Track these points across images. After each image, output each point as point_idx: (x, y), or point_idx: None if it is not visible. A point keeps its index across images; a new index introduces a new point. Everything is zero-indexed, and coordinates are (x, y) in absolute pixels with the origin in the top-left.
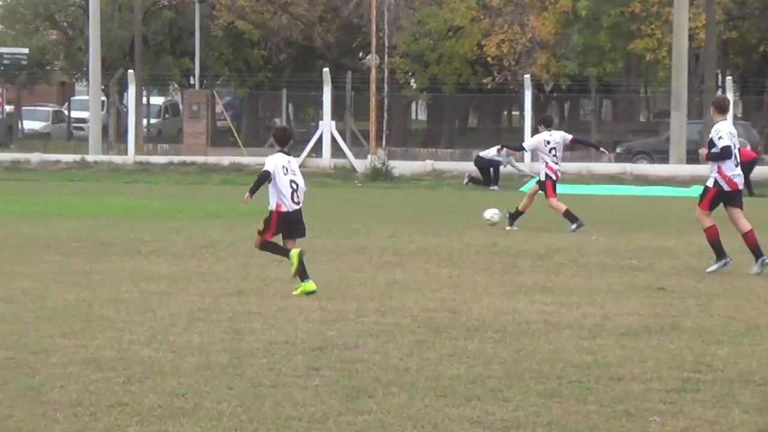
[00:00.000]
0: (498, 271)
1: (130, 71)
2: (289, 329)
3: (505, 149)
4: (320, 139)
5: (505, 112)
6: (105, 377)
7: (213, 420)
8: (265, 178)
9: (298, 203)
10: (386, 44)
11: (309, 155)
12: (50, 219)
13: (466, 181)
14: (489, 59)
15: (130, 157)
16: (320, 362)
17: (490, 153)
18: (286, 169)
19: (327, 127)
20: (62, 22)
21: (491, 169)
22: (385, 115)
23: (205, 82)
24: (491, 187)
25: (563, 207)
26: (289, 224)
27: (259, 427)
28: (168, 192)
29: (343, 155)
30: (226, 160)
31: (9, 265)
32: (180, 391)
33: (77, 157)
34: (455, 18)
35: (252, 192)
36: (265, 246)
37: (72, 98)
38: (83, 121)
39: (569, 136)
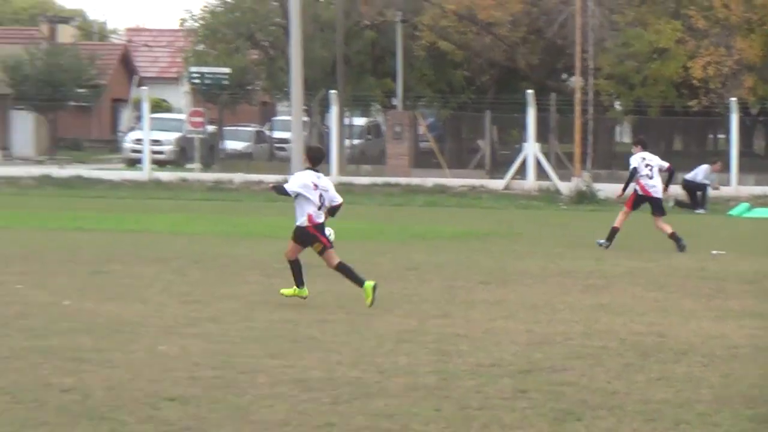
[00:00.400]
0: (705, 296)
1: (332, 91)
2: (496, 351)
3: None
4: (524, 161)
5: (711, 136)
6: (312, 397)
7: None
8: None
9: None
10: (590, 66)
11: (513, 177)
12: (253, 239)
13: (672, 204)
14: (695, 82)
15: (333, 177)
16: (527, 385)
17: (698, 176)
18: (316, 185)
19: (531, 149)
20: (263, 42)
21: (698, 193)
22: (590, 137)
23: (407, 103)
24: (697, 211)
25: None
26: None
27: None
28: (371, 213)
29: (548, 177)
30: (429, 181)
31: (215, 285)
32: (387, 412)
33: (279, 177)
34: (660, 40)
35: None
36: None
37: (273, 118)
38: (285, 141)
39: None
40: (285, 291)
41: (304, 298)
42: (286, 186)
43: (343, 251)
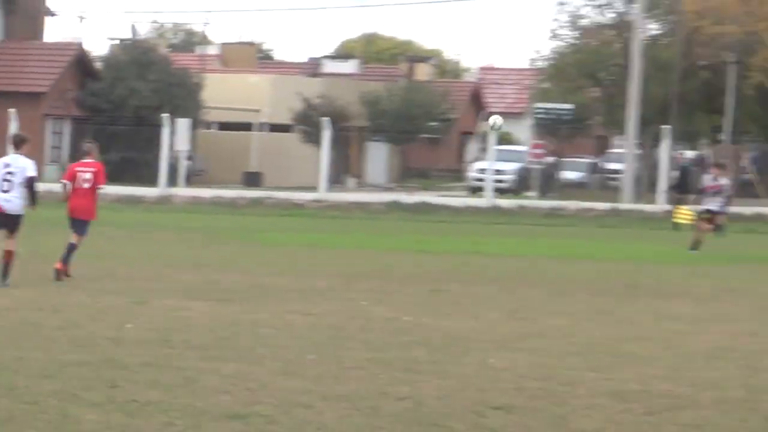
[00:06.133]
0: None
1: (665, 127)
2: None
3: None
4: None
5: None
6: (627, 408)
7: None
8: None
9: None
10: None
11: None
12: (583, 261)
13: None
14: None
15: (659, 206)
16: None
17: None
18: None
19: None
20: (605, 81)
21: None
22: None
23: (733, 137)
24: None
25: None
26: None
27: None
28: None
29: None
30: (748, 210)
31: (543, 303)
32: (696, 423)
33: (609, 205)
34: None
35: None
36: None
37: (608, 151)
38: (617, 172)
39: None
40: None
41: None
42: None
43: (665, 273)
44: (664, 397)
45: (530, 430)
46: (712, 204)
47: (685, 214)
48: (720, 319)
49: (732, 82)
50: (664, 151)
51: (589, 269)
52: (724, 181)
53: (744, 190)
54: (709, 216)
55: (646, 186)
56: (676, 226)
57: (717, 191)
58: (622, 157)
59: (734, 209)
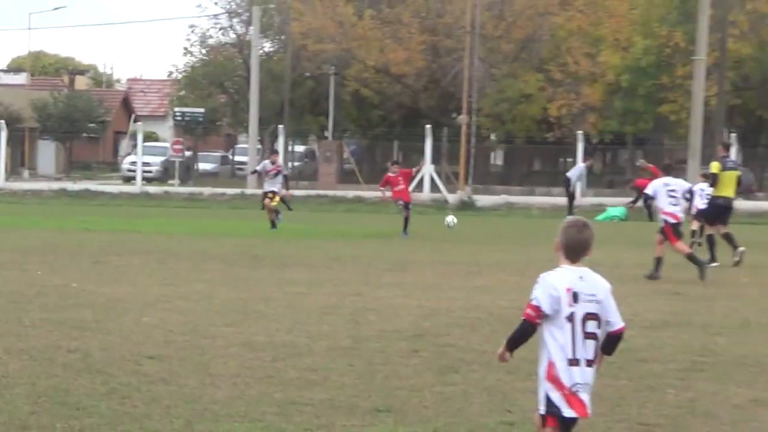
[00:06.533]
0: None
1: (280, 126)
2: (396, 321)
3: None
4: (422, 178)
5: (561, 159)
6: (257, 356)
7: (338, 389)
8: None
9: None
10: (474, 107)
11: (413, 190)
12: (217, 237)
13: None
14: (551, 119)
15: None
16: (419, 346)
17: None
18: None
19: (428, 169)
20: (230, 89)
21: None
22: (471, 160)
23: (336, 134)
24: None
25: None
26: None
27: (372, 394)
28: (306, 217)
29: (440, 191)
30: (350, 194)
31: (187, 271)
32: (313, 367)
33: (238, 190)
34: (527, 87)
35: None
36: None
37: (235, 146)
38: (243, 163)
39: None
40: None
41: None
42: None
43: (284, 246)
44: (286, 347)
45: (179, 376)
46: (273, 185)
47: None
48: (330, 283)
49: (333, 89)
50: (281, 146)
51: (223, 244)
52: (280, 164)
53: (347, 178)
54: (272, 195)
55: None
56: (283, 207)
57: (276, 173)
58: (246, 151)
59: (340, 193)
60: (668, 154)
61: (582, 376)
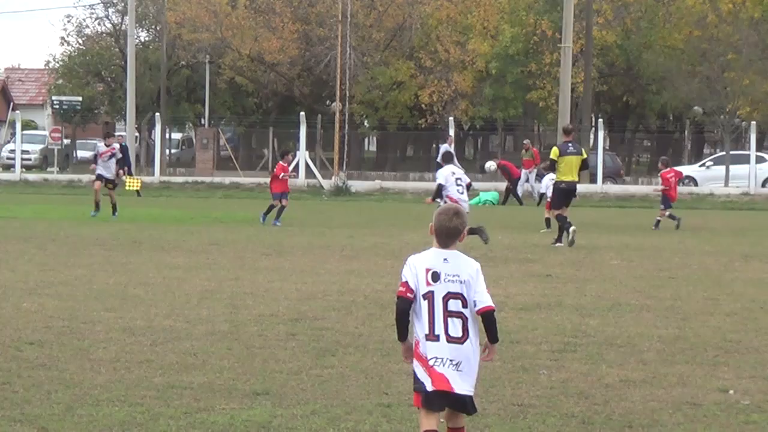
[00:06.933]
0: None
1: (157, 114)
2: (274, 305)
3: None
4: (297, 164)
5: (434, 145)
6: (137, 341)
7: (216, 373)
8: None
9: None
10: (347, 94)
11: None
12: (96, 223)
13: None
14: (423, 105)
15: (156, 177)
16: (296, 329)
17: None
18: None
19: (302, 156)
20: (107, 78)
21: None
22: (345, 147)
23: (212, 122)
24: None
25: None
26: None
27: (250, 377)
28: (184, 203)
29: (315, 176)
30: (227, 180)
31: (66, 257)
32: (192, 351)
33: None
34: (398, 75)
35: None
36: None
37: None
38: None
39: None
40: None
41: None
42: None
43: (162, 232)
44: (165, 331)
45: (59, 361)
46: (107, 168)
47: (132, 181)
48: (208, 267)
49: (208, 78)
50: (158, 133)
51: (102, 229)
52: (116, 147)
53: (223, 164)
54: (112, 186)
55: (145, 162)
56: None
57: (111, 156)
58: (125, 139)
59: (217, 179)
60: (538, 139)
61: (441, 351)
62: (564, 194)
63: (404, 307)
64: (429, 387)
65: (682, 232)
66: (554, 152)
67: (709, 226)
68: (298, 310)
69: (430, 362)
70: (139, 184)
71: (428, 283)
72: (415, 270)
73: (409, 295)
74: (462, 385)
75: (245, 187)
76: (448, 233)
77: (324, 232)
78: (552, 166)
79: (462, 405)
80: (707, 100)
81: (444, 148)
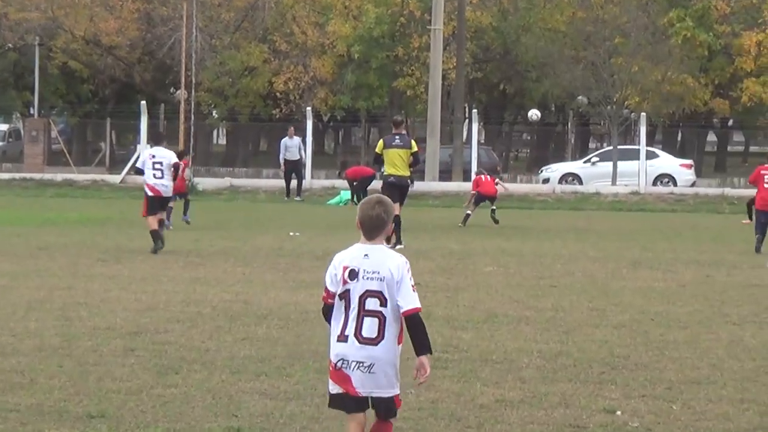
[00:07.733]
0: (283, 270)
1: None
2: (110, 317)
3: None
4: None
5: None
6: None
7: (46, 393)
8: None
9: None
10: (193, 81)
11: (128, 173)
12: None
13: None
14: (278, 94)
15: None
16: (136, 344)
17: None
18: None
19: (143, 150)
20: None
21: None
22: (192, 139)
23: (42, 112)
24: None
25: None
26: None
27: (84, 398)
28: (10, 203)
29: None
30: (59, 177)
31: None
32: (19, 368)
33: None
34: (250, 60)
35: None
36: None
37: None
38: None
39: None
40: None
41: None
42: None
43: None
44: None
45: None
46: None
47: None
48: (37, 275)
49: (38, 62)
50: None
51: None
52: None
53: (55, 159)
54: None
55: None
56: None
57: None
58: None
59: (48, 176)
60: (407, 131)
61: (349, 352)
62: (391, 189)
63: (328, 314)
64: (333, 389)
65: (565, 234)
66: (379, 146)
67: (594, 228)
68: (138, 323)
69: (338, 364)
70: None
71: (345, 282)
72: (335, 270)
73: (330, 300)
74: (370, 387)
75: (80, 185)
76: (371, 223)
77: (167, 235)
78: (377, 160)
79: (380, 407)
80: (592, 88)
81: (283, 142)
